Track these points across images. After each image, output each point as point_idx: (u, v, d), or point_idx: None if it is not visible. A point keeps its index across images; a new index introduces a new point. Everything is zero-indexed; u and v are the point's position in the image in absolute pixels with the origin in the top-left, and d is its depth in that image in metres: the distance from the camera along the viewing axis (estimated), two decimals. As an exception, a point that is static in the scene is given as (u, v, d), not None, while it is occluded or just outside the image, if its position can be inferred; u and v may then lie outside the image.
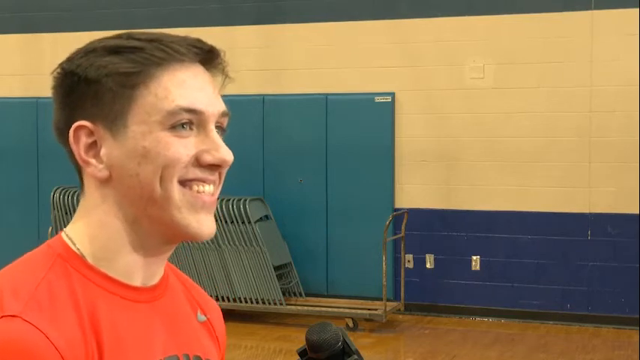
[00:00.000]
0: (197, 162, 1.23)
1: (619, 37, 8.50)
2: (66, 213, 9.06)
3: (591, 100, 8.60)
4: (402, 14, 9.15)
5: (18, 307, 1.14)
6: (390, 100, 9.13)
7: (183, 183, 1.23)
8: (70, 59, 1.26)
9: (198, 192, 1.24)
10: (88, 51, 1.25)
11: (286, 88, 9.44)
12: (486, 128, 8.91)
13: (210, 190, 1.25)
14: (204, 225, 1.24)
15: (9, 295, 1.16)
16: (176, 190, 1.22)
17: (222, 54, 1.28)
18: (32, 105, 10.28)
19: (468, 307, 9.04)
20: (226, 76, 1.29)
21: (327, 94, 9.31)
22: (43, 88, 10.32)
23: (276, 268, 8.75)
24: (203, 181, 1.24)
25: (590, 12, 8.57)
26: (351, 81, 9.27)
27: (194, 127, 1.23)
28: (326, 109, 9.29)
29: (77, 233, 1.26)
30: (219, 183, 1.28)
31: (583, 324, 8.62)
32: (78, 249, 1.24)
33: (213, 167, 1.24)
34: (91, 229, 1.25)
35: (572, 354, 7.77)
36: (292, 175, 9.33)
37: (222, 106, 1.27)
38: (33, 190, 10.28)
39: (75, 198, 9.01)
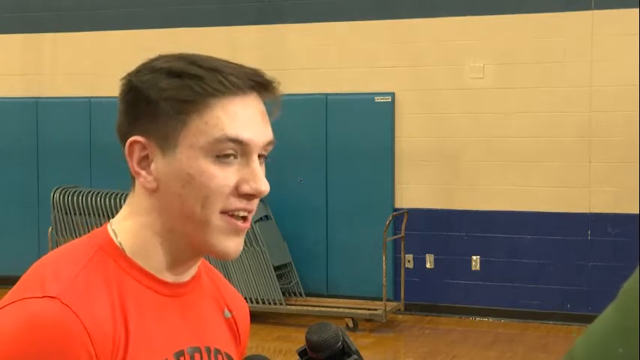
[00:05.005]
0: (236, 191, 1.33)
1: (619, 37, 8.50)
2: (66, 213, 9.05)
3: (591, 100, 8.60)
4: (402, 14, 9.15)
5: (58, 290, 1.26)
6: (390, 100, 9.13)
7: (225, 212, 1.33)
8: (138, 72, 1.35)
9: (234, 217, 1.34)
10: (155, 69, 1.33)
11: (286, 88, 9.35)
12: (486, 128, 8.90)
13: (245, 217, 1.35)
14: (232, 248, 1.35)
15: (51, 278, 1.28)
16: (215, 217, 1.32)
17: (277, 84, 1.38)
18: (32, 105, 10.28)
19: (468, 307, 9.04)
20: (278, 106, 1.40)
21: (327, 94, 9.31)
22: (44, 88, 10.34)
23: (276, 268, 8.75)
24: (243, 211, 1.34)
25: (590, 12, 8.57)
26: (351, 81, 9.27)
27: (238, 156, 1.33)
28: (326, 109, 9.29)
29: (121, 229, 1.37)
30: (254, 210, 1.37)
31: (583, 324, 8.61)
32: (119, 242, 1.36)
33: (250, 196, 1.34)
34: (134, 228, 1.36)
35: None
36: (292, 175, 9.33)
37: (268, 136, 1.37)
38: (33, 190, 10.27)
39: (75, 198, 9.00)
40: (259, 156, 1.36)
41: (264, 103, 1.38)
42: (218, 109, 1.31)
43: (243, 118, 1.32)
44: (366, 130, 9.13)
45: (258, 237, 8.61)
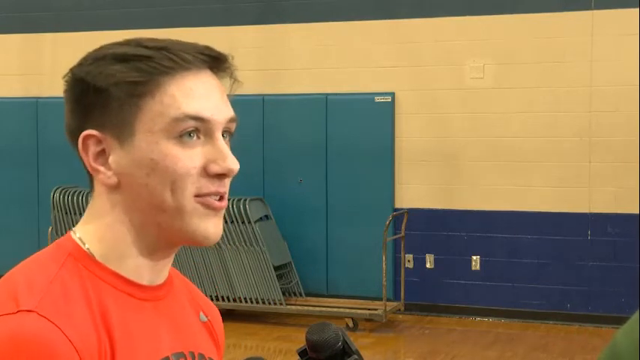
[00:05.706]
0: (204, 172, 1.25)
1: (619, 37, 8.50)
2: (66, 213, 9.06)
3: (591, 100, 8.60)
4: (402, 14, 9.14)
5: (33, 303, 1.16)
6: (390, 100, 9.13)
7: (198, 196, 1.25)
8: (80, 64, 1.27)
9: (209, 198, 1.26)
10: (98, 58, 1.26)
11: (286, 88, 9.43)
12: (486, 128, 8.90)
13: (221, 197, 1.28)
14: (212, 230, 1.27)
15: (24, 290, 1.19)
16: (188, 201, 1.24)
17: (229, 59, 1.29)
18: (32, 105, 10.28)
19: (468, 307, 9.03)
20: (234, 80, 1.31)
21: (327, 94, 9.31)
22: (43, 88, 10.33)
23: (276, 268, 8.75)
24: (215, 194, 1.26)
25: (590, 12, 8.57)
26: (351, 81, 9.27)
27: (201, 136, 1.25)
28: (326, 109, 9.28)
29: (86, 234, 1.29)
30: (227, 192, 1.30)
31: (583, 324, 8.62)
32: (88, 249, 1.27)
33: (221, 176, 1.26)
34: (100, 232, 1.28)
35: (572, 354, 7.77)
36: (292, 175, 9.33)
37: (229, 113, 1.29)
38: (33, 190, 10.27)
39: (75, 198, 9.01)
40: (223, 135, 1.28)
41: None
42: (172, 87, 1.23)
43: (200, 94, 1.24)
44: (366, 130, 9.13)
45: (258, 237, 8.61)
